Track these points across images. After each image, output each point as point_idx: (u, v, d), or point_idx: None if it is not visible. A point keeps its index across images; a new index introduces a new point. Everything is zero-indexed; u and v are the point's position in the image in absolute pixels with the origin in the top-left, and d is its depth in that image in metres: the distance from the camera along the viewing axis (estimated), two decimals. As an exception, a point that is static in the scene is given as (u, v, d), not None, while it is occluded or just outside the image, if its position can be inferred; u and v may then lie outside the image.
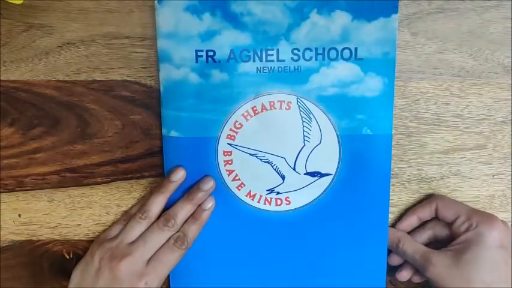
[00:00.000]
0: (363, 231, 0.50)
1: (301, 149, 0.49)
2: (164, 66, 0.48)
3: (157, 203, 0.48)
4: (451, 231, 0.47)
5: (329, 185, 0.50)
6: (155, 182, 0.50)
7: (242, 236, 0.51)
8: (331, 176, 0.50)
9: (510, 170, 0.50)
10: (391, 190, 0.49)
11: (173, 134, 0.49)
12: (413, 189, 0.50)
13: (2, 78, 0.49)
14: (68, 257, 0.52)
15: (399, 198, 0.51)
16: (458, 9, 0.47)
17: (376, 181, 0.49)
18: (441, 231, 0.48)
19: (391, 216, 0.51)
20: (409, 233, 0.50)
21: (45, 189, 0.51)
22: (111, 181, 0.51)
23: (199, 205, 0.48)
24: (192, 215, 0.48)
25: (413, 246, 0.48)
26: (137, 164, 0.50)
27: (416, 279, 0.49)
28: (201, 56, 0.47)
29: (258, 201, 0.50)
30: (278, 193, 0.50)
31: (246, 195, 0.50)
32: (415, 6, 0.47)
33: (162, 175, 0.50)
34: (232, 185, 0.50)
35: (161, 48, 0.47)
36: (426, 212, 0.49)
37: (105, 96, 0.49)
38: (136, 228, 0.47)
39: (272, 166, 0.50)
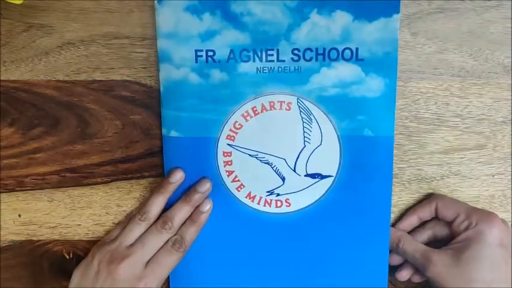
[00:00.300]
0: (364, 233, 0.50)
1: (302, 150, 0.49)
2: (164, 66, 0.47)
3: (156, 204, 0.48)
4: (451, 231, 0.47)
5: (330, 186, 0.49)
6: (155, 182, 0.50)
7: (242, 238, 0.51)
8: (332, 178, 0.49)
9: (510, 170, 0.50)
10: (391, 190, 0.50)
11: (173, 134, 0.49)
12: (413, 189, 0.50)
13: (2, 78, 0.49)
14: (68, 257, 0.52)
15: (399, 198, 0.51)
16: (458, 9, 0.47)
17: (378, 183, 0.49)
18: (441, 231, 0.48)
19: (392, 216, 0.51)
20: (409, 232, 0.50)
21: (45, 189, 0.51)
22: (111, 181, 0.51)
23: (197, 207, 0.48)
24: (189, 217, 0.48)
25: (414, 246, 0.47)
26: (137, 164, 0.50)
27: (416, 279, 0.49)
28: (201, 56, 0.47)
29: (258, 203, 0.50)
30: (278, 195, 0.50)
31: (246, 197, 0.50)
32: (415, 6, 0.47)
33: (162, 175, 0.50)
34: (232, 186, 0.50)
35: (161, 48, 0.47)
36: (426, 212, 0.49)
37: (105, 96, 0.49)
38: (135, 231, 0.47)
39: (272, 167, 0.49)
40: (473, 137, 0.49)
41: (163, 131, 0.49)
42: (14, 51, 0.49)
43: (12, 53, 0.49)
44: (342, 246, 0.50)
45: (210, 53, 0.47)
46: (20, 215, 0.51)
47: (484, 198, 0.50)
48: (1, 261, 0.52)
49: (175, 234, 0.47)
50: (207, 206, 0.48)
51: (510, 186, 0.50)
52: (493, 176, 0.50)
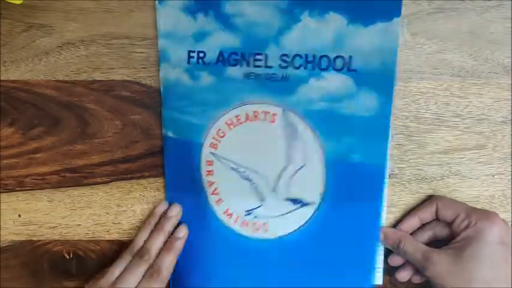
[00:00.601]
0: (349, 268, 0.47)
1: (284, 170, 0.46)
2: (163, 66, 0.47)
3: (143, 238, 0.48)
4: (451, 231, 0.47)
5: (312, 215, 0.46)
6: (155, 182, 0.50)
7: (217, 255, 0.48)
8: (315, 206, 0.46)
9: (510, 170, 0.50)
10: (391, 190, 0.49)
11: (170, 134, 0.48)
12: (413, 189, 0.50)
13: (2, 78, 0.49)
14: (68, 257, 0.52)
15: (399, 198, 0.50)
16: (458, 9, 0.47)
17: (366, 215, 0.46)
18: (442, 231, 0.48)
19: (392, 216, 0.50)
20: (410, 233, 0.49)
21: (45, 189, 0.51)
22: (111, 181, 0.51)
23: (172, 233, 0.49)
24: (165, 244, 0.48)
25: (414, 246, 0.47)
26: (137, 164, 0.50)
27: (416, 280, 0.49)
28: (193, 57, 0.46)
29: (235, 222, 0.48)
30: (256, 217, 0.47)
31: (224, 213, 0.48)
32: (415, 6, 0.47)
33: (162, 175, 0.50)
34: (212, 199, 0.48)
35: (161, 48, 0.47)
36: (427, 213, 0.49)
37: (105, 96, 0.49)
38: (121, 265, 0.47)
39: (252, 184, 0.46)
40: (473, 137, 0.49)
41: (163, 130, 0.49)
42: (14, 51, 0.49)
43: (12, 53, 0.49)
44: (323, 279, 0.47)
45: (201, 55, 0.46)
46: (20, 215, 0.51)
47: (484, 198, 0.50)
48: (1, 261, 0.52)
49: (153, 263, 0.47)
50: (182, 232, 0.48)
51: (510, 186, 0.50)
52: (493, 176, 0.50)
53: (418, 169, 0.50)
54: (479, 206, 0.50)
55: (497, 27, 0.48)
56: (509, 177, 0.50)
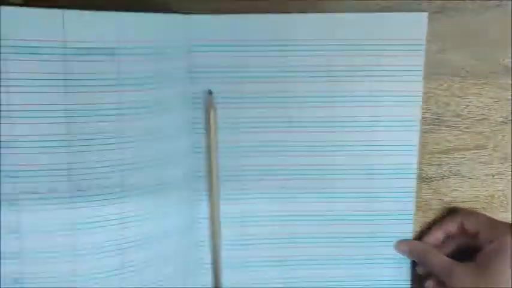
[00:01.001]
0: None
1: None
2: None
3: None
4: (475, 244, 0.47)
5: None
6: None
7: None
8: None
9: (510, 170, 0.50)
10: (391, 190, 0.49)
11: None
12: (414, 189, 0.50)
13: (2, 78, 0.49)
14: (68, 256, 0.52)
15: (399, 198, 0.51)
16: (458, 9, 0.47)
17: None
18: (467, 244, 0.48)
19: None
20: (435, 245, 0.49)
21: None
22: (112, 181, 0.51)
23: None
24: None
25: (438, 259, 0.47)
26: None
27: None
28: None
29: None
30: None
31: None
32: (415, 6, 0.47)
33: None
34: None
35: None
36: (451, 226, 0.48)
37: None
38: None
39: None
40: (474, 137, 0.49)
41: None
42: (15, 51, 0.49)
43: (13, 53, 0.49)
44: None
45: None
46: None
47: (484, 198, 0.50)
48: (2, 260, 0.52)
49: None
50: None
51: (510, 186, 0.50)
52: (493, 176, 0.50)
53: (418, 169, 0.50)
54: (479, 206, 0.50)
55: (497, 27, 0.48)
56: (509, 177, 0.50)
